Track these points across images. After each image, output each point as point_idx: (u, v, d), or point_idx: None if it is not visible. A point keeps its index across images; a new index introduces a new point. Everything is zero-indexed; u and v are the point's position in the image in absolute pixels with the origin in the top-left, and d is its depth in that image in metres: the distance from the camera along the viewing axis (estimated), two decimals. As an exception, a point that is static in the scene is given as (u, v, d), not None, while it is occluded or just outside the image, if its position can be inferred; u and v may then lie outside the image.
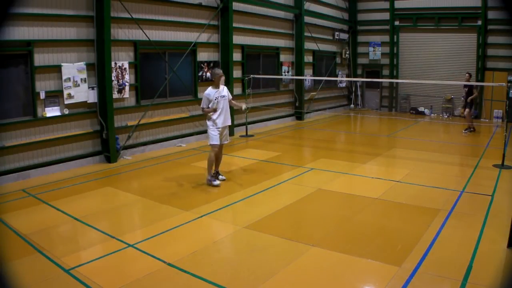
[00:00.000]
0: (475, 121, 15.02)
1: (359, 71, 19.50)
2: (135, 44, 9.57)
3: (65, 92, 8.23)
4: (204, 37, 11.40)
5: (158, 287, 4.02)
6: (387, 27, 17.91)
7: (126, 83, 9.42)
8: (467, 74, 12.78)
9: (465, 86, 12.67)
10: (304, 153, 10.96)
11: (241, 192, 6.89)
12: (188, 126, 11.23)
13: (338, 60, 18.60)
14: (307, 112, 16.04)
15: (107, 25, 8.54)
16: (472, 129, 12.74)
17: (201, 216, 5.79)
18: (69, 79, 8.26)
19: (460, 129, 13.47)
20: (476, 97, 12.96)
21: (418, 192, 6.84)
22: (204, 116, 11.89)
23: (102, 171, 8.43)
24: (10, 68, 7.58)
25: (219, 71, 7.22)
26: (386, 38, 18.10)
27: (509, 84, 10.87)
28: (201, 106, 7.24)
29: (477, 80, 15.59)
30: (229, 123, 7.37)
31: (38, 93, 7.81)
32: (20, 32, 7.47)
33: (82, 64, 8.46)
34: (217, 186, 7.11)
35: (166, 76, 10.49)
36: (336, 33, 17.87)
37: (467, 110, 12.63)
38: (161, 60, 10.34)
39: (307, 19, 15.53)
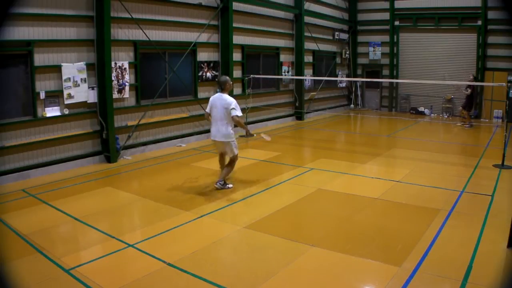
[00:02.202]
0: (475, 121, 15.07)
1: (359, 71, 19.50)
2: (135, 44, 9.57)
3: (65, 92, 8.23)
4: (204, 37, 11.40)
5: (158, 287, 4.01)
6: (387, 27, 17.91)
7: (126, 83, 9.42)
8: (472, 76, 13.39)
9: (468, 87, 13.19)
10: (304, 153, 10.96)
11: (241, 192, 6.89)
12: (188, 126, 11.23)
13: (338, 60, 18.60)
14: (307, 112, 16.03)
15: (107, 25, 8.54)
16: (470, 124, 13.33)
17: (201, 216, 5.79)
18: (69, 79, 8.26)
19: (460, 128, 13.51)
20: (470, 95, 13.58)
21: (418, 192, 6.84)
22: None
23: (102, 171, 8.42)
24: (10, 68, 7.58)
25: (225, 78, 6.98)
26: (386, 38, 18.10)
27: (509, 84, 10.88)
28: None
29: (477, 80, 15.60)
30: (220, 139, 6.73)
31: (38, 93, 7.81)
32: (20, 32, 7.47)
33: (82, 64, 8.46)
34: (231, 187, 6.96)
35: (166, 76, 10.49)
36: (336, 33, 17.87)
37: (466, 112, 13.00)
38: (161, 60, 10.34)
39: (307, 19, 15.53)
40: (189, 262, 4.43)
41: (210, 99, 6.91)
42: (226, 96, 6.68)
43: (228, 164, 6.96)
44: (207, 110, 6.90)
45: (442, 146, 10.82)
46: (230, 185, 7.01)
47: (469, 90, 13.32)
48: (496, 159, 8.55)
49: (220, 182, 6.87)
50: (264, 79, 13.83)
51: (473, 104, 13.86)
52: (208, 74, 11.67)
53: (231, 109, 6.52)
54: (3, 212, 5.91)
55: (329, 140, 12.29)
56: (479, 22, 15.64)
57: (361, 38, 19.15)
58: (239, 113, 6.61)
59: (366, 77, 18.90)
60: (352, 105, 19.35)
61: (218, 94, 6.85)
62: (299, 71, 15.26)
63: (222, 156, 7.14)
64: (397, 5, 17.59)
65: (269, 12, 13.82)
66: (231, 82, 7.02)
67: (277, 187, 7.23)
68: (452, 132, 13.57)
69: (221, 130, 6.66)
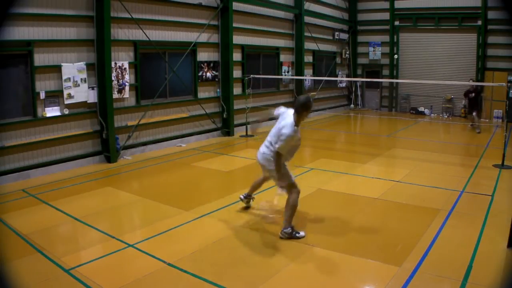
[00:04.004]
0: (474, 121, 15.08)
1: (359, 71, 19.50)
2: (135, 44, 9.56)
3: (65, 92, 8.23)
4: (204, 37, 11.40)
5: (158, 287, 4.02)
6: (387, 27, 17.91)
7: (126, 83, 9.42)
8: (471, 80, 13.49)
9: (471, 92, 13.08)
10: (304, 153, 10.94)
11: (241, 192, 6.86)
12: (188, 126, 11.23)
13: (338, 60, 18.60)
14: (307, 112, 16.00)
15: (107, 25, 8.54)
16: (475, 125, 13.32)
17: (201, 216, 5.79)
18: (69, 79, 8.26)
19: (460, 128, 13.51)
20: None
21: (418, 192, 6.84)
22: (208, 116, 11.75)
23: (102, 171, 8.42)
24: (10, 68, 7.57)
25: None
26: (386, 38, 18.10)
27: (509, 84, 10.88)
28: None
29: (477, 80, 15.61)
30: (262, 161, 5.19)
31: (38, 93, 7.81)
32: (20, 32, 7.47)
33: (82, 64, 8.46)
34: (302, 237, 5.09)
35: (166, 76, 10.49)
36: (336, 33, 17.87)
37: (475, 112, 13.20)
38: (161, 60, 10.34)
39: (307, 19, 15.53)
40: (189, 262, 4.43)
41: (282, 109, 5.35)
42: (290, 119, 4.91)
43: (286, 205, 5.15)
44: (275, 113, 5.41)
45: (442, 146, 10.82)
46: (302, 233, 5.12)
47: (473, 94, 13.09)
48: (496, 159, 8.55)
49: (286, 231, 5.06)
50: (264, 79, 13.83)
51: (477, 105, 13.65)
52: (208, 74, 11.67)
53: (280, 135, 4.87)
54: (3, 212, 5.91)
55: (329, 140, 12.29)
56: (479, 22, 15.64)
57: (361, 38, 19.15)
58: (281, 149, 4.84)
59: (366, 77, 18.91)
60: (352, 105, 19.35)
61: (290, 111, 5.10)
62: (299, 71, 15.26)
63: (265, 178, 5.77)
64: (397, 5, 17.59)
65: (269, 12, 13.82)
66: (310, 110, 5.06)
67: (277, 187, 7.21)
68: (452, 132, 13.56)
69: (265, 151, 5.17)
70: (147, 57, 10.04)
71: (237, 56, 12.58)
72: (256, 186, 5.94)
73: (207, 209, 6.05)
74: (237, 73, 12.64)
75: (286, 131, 4.85)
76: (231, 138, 11.89)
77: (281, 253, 4.69)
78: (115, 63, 9.08)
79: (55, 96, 8.12)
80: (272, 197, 6.63)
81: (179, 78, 10.77)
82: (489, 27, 15.49)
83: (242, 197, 6.06)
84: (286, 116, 5.08)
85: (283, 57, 14.88)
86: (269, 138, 5.19)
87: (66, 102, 8.27)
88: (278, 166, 4.95)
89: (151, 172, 8.41)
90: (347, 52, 18.83)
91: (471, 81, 13.54)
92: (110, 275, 4.25)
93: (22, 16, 7.43)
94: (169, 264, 4.38)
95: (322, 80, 16.35)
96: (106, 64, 8.64)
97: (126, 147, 9.47)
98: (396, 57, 17.53)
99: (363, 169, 8.45)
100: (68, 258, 4.50)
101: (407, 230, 5.24)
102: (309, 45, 15.93)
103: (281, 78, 14.74)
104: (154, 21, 9.97)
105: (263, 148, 5.24)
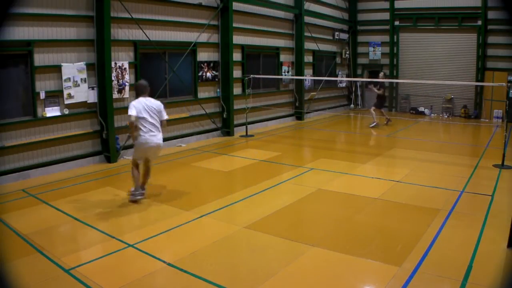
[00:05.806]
0: (475, 121, 15.06)
1: (359, 71, 19.50)
2: (135, 44, 9.56)
3: (65, 92, 8.23)
4: (204, 37, 11.40)
5: (158, 287, 4.02)
6: (387, 27, 17.91)
7: (126, 83, 9.42)
8: (381, 73, 13.74)
9: (376, 84, 13.37)
10: (304, 153, 10.95)
11: (241, 192, 6.89)
12: (188, 126, 11.23)
13: (338, 60, 18.60)
14: (307, 112, 16.03)
15: (107, 25, 8.54)
16: (376, 123, 13.65)
17: (201, 216, 5.79)
18: (69, 79, 8.26)
19: (461, 128, 13.51)
20: (382, 95, 13.81)
21: (418, 192, 6.84)
22: (208, 116, 11.78)
23: (102, 171, 8.42)
24: (10, 68, 7.58)
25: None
26: (386, 38, 18.10)
27: (509, 84, 10.88)
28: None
29: (477, 80, 15.62)
30: (159, 142, 6.40)
31: (38, 93, 7.81)
32: (20, 32, 7.47)
33: (82, 64, 8.46)
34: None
35: (166, 76, 10.49)
36: (336, 33, 17.87)
37: (373, 107, 13.59)
38: (161, 60, 10.34)
39: (307, 19, 15.53)
40: (189, 262, 4.43)
41: (135, 104, 6.13)
42: (154, 100, 6.36)
43: (148, 170, 6.57)
44: (135, 114, 6.06)
45: (442, 146, 10.82)
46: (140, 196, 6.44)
47: (381, 90, 13.44)
48: (496, 159, 8.55)
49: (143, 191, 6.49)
50: (264, 79, 13.83)
51: (383, 103, 13.71)
52: (208, 74, 11.67)
53: (162, 108, 6.29)
54: (3, 212, 5.91)
55: (329, 140, 12.29)
56: (479, 22, 15.64)
57: (361, 38, 19.15)
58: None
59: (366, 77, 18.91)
60: (352, 105, 19.35)
61: (147, 99, 6.23)
62: (299, 71, 15.26)
63: (146, 165, 6.62)
64: (397, 5, 17.59)
65: (269, 12, 13.82)
66: None
67: (277, 187, 7.23)
68: (452, 132, 13.56)
69: (159, 134, 6.31)
70: (147, 57, 10.04)
71: (237, 56, 12.57)
72: (143, 175, 6.56)
73: (207, 209, 6.05)
74: (237, 73, 12.64)
75: (161, 103, 6.33)
76: (231, 138, 11.89)
77: (281, 253, 4.69)
78: (115, 63, 9.08)
79: (55, 96, 8.12)
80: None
81: (179, 78, 10.78)
82: (489, 27, 15.49)
83: (135, 193, 6.39)
84: (144, 101, 6.19)
85: (283, 57, 14.88)
86: (152, 121, 6.17)
87: (66, 102, 8.27)
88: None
89: (151, 172, 8.38)
90: (347, 52, 18.83)
91: (382, 74, 13.82)
92: (110, 275, 4.25)
93: (22, 16, 7.43)
94: (169, 264, 4.38)
95: (322, 80, 16.35)
96: (106, 64, 8.64)
97: (126, 147, 9.46)
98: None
99: (363, 169, 8.45)
100: (68, 258, 4.51)
101: (407, 230, 5.24)
102: (309, 45, 15.93)
103: (281, 78, 14.74)
104: (154, 21, 9.97)
105: (157, 134, 6.26)
